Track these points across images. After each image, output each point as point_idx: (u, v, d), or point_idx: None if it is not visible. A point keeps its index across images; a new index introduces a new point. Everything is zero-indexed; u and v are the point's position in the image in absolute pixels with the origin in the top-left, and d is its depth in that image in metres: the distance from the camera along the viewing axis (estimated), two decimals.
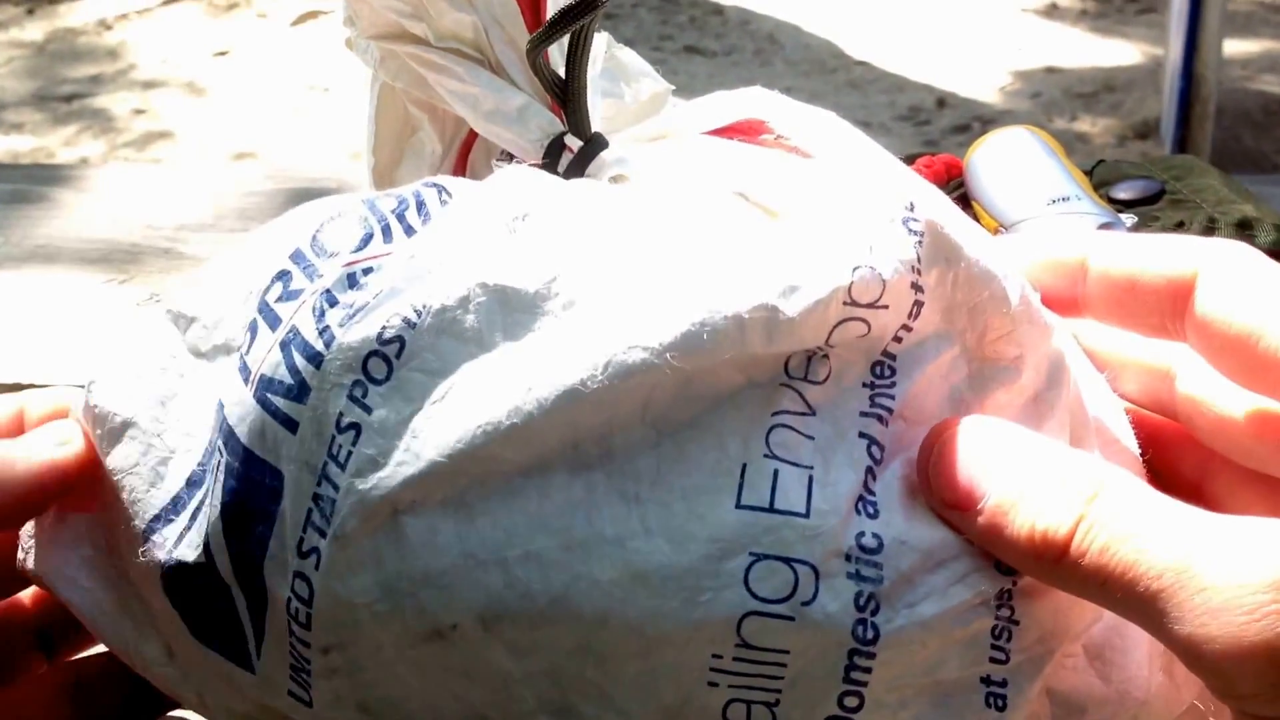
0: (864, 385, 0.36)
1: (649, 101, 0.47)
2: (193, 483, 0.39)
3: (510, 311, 0.35)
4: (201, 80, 3.02)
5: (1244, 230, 0.69)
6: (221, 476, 0.37)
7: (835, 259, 0.35)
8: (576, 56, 0.42)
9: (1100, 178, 0.77)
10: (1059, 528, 0.33)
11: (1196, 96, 2.18)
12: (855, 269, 0.35)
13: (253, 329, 0.38)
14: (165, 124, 2.84)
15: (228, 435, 0.37)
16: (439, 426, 0.34)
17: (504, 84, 0.45)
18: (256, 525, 0.36)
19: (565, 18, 0.41)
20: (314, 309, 0.36)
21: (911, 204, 0.36)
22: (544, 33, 0.41)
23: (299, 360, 0.36)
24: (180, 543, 0.38)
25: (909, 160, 0.78)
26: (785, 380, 0.35)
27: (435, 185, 0.39)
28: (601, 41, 0.46)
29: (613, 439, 0.35)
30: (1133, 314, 0.38)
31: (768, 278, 0.34)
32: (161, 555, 0.38)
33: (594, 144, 0.43)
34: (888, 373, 0.36)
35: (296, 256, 0.38)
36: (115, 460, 0.39)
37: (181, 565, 0.38)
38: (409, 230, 0.38)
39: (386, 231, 0.38)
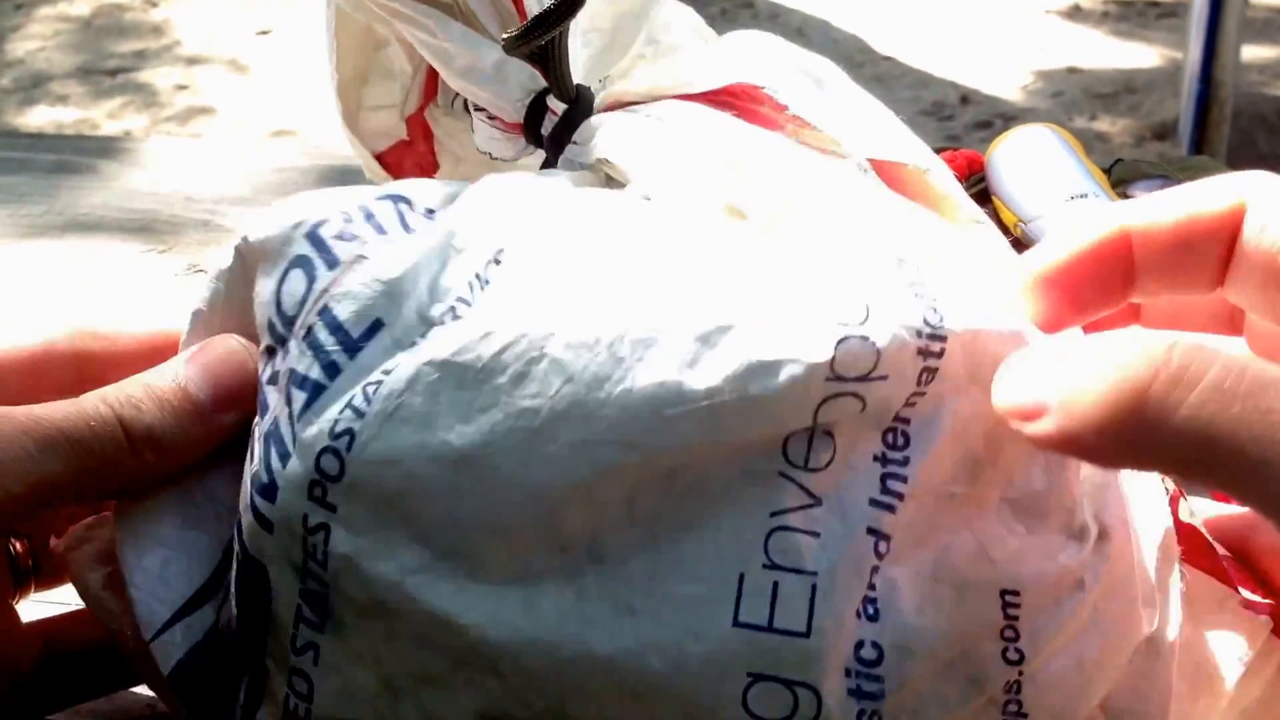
0: (875, 459, 0.33)
1: None
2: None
3: (461, 389, 0.33)
4: (243, 58, 3.03)
5: None
6: (234, 571, 0.36)
7: (818, 325, 0.32)
8: (557, 16, 0.39)
9: (1118, 176, 0.77)
10: (1134, 382, 0.29)
11: (1214, 99, 2.14)
12: (840, 341, 0.31)
13: (261, 411, 0.36)
14: (207, 100, 2.86)
15: (237, 527, 0.36)
16: (403, 524, 0.33)
17: (478, 38, 0.40)
18: (257, 620, 0.36)
19: (544, 22, 0.38)
20: (284, 394, 0.35)
21: (913, 259, 0.33)
22: (523, 34, 0.39)
23: (274, 458, 0.34)
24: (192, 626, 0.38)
25: None
26: (784, 469, 0.32)
27: (393, 197, 0.37)
28: None
29: (602, 540, 0.32)
30: (1188, 271, 0.35)
31: (738, 351, 0.31)
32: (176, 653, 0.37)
33: (578, 106, 0.40)
34: (901, 441, 0.33)
35: (269, 328, 0.36)
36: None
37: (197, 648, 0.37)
38: (360, 258, 0.35)
39: (332, 265, 0.35)
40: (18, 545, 0.43)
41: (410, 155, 0.49)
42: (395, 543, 0.33)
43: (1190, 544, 0.39)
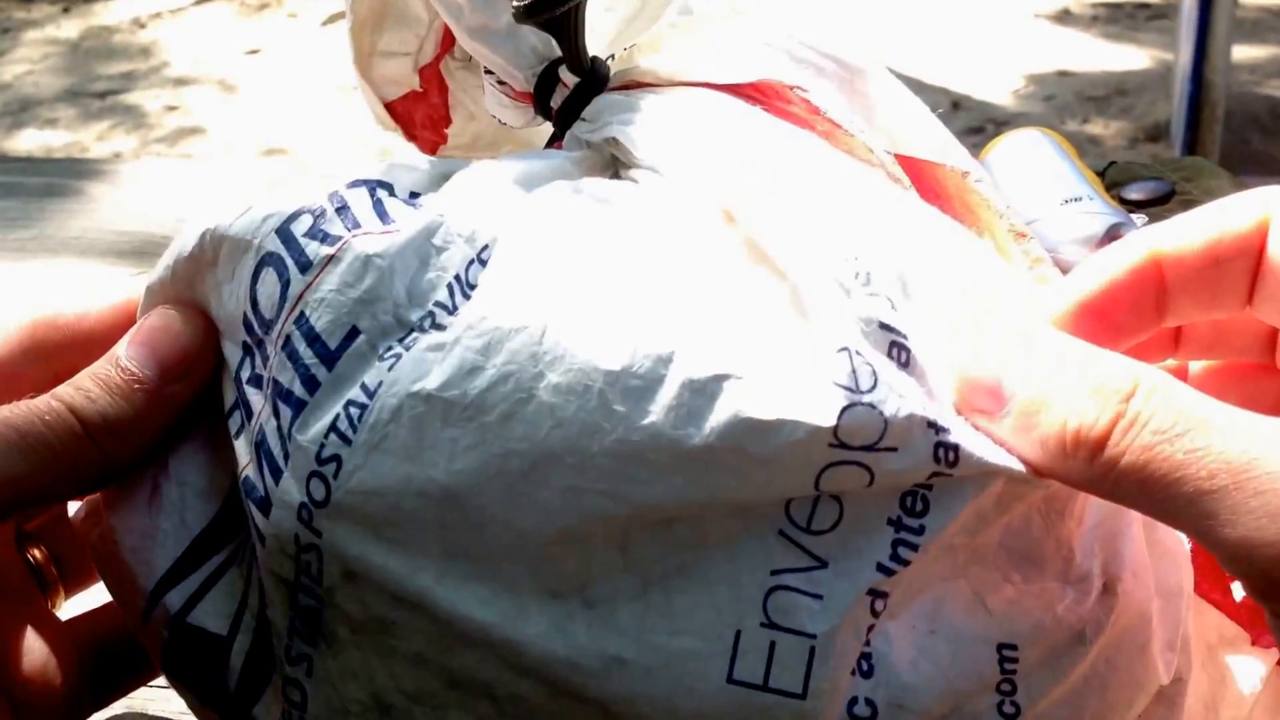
0: (889, 522, 0.31)
1: None
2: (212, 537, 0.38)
3: (448, 425, 0.32)
4: (233, 78, 3.04)
5: None
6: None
7: (823, 386, 0.30)
8: None
9: (1112, 179, 0.77)
10: (1094, 425, 0.30)
11: (1206, 100, 2.14)
12: (846, 408, 0.30)
13: (245, 409, 0.36)
14: (197, 120, 2.86)
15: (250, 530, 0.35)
16: (393, 550, 0.32)
17: None
18: (263, 622, 0.36)
19: None
20: (271, 404, 0.34)
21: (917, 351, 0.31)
22: (535, 4, 0.36)
23: (267, 472, 0.34)
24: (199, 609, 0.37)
25: None
26: (786, 529, 0.31)
27: (369, 184, 0.36)
28: None
29: (594, 586, 0.32)
30: (1217, 291, 0.35)
31: (735, 406, 0.30)
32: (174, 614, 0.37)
33: (591, 80, 0.38)
34: (920, 506, 0.31)
35: (246, 326, 0.36)
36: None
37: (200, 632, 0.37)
38: (333, 259, 0.34)
39: (304, 268, 0.34)
40: (37, 553, 0.43)
41: (422, 106, 0.47)
42: (387, 567, 0.32)
43: (1204, 574, 0.39)
